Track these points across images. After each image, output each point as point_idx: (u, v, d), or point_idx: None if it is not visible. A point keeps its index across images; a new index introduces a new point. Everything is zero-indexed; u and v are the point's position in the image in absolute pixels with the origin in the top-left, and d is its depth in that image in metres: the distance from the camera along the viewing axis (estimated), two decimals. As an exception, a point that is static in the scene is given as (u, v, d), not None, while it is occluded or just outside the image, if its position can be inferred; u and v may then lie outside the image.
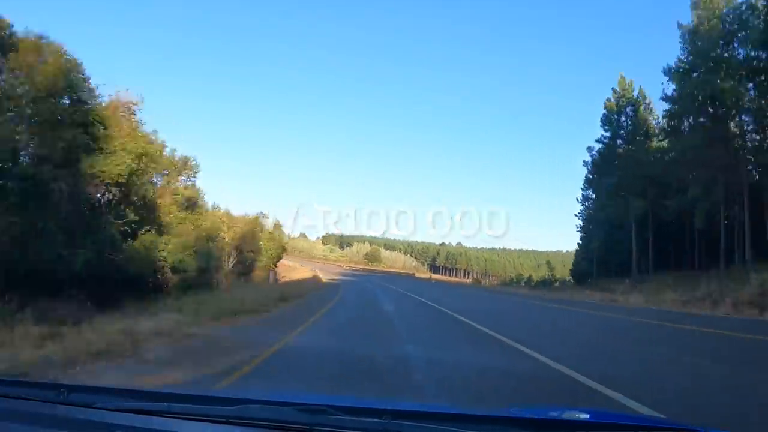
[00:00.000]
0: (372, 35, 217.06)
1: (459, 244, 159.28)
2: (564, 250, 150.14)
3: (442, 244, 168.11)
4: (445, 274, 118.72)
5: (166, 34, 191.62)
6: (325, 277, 39.09)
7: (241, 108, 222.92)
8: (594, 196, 41.27)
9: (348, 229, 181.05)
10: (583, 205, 44.74)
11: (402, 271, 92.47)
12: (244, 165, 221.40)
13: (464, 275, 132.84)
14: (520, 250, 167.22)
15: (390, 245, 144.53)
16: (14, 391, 1.60)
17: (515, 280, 62.68)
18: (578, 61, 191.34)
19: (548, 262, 69.73)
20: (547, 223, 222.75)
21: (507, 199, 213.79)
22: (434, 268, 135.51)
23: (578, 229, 46.48)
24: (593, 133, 49.05)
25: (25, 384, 1.85)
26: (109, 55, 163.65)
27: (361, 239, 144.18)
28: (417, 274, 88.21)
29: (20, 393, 1.59)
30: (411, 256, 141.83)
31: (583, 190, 42.61)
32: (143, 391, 1.73)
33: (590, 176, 40.58)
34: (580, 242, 47.59)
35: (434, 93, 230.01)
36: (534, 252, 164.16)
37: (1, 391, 1.58)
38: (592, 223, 42.50)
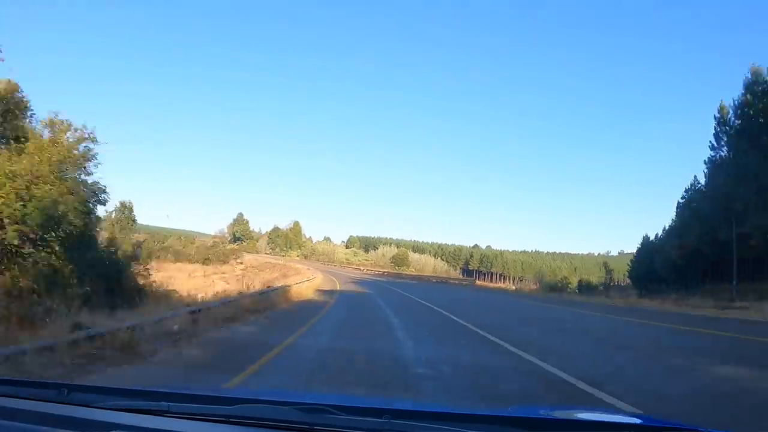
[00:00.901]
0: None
1: (489, 247, 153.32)
2: (596, 253, 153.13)
3: (475, 246, 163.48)
4: (482, 280, 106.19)
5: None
6: (315, 286, 27.37)
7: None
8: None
9: (374, 231, 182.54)
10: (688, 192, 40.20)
11: (433, 276, 79.78)
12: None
13: (500, 280, 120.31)
14: (554, 253, 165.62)
15: (419, 248, 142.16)
16: (15, 390, 1.67)
17: (560, 285, 57.05)
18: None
19: (605, 264, 57.23)
20: (577, 226, 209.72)
21: (539, 200, 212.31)
22: (467, 272, 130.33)
23: (672, 221, 42.01)
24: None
25: (25, 384, 1.92)
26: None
27: (388, 242, 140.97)
28: (453, 281, 75.15)
29: (21, 393, 1.65)
30: (441, 259, 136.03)
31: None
32: (143, 391, 1.79)
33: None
34: (658, 240, 43.79)
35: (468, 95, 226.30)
36: (566, 255, 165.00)
37: (2, 390, 1.65)
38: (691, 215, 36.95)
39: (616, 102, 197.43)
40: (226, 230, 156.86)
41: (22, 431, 1.40)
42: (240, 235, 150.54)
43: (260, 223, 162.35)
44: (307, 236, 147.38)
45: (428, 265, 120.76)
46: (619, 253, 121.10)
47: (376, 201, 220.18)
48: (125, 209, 42.61)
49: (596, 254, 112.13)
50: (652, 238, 46.51)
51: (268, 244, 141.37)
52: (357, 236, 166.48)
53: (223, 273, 41.50)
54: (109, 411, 1.52)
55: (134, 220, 46.00)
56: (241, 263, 56.40)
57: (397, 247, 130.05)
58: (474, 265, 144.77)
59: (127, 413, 1.51)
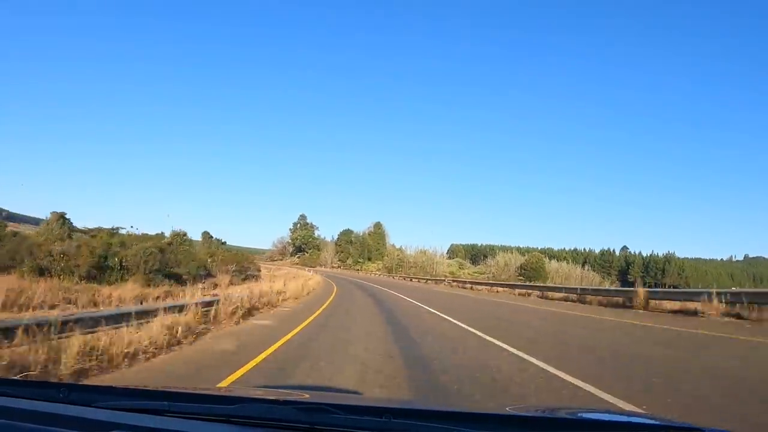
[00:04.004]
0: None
1: (653, 252, 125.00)
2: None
3: (624, 248, 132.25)
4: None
5: None
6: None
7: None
8: None
9: (481, 239, 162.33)
10: None
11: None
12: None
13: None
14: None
15: (547, 254, 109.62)
16: (14, 390, 1.75)
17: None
18: None
19: None
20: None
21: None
22: (625, 283, 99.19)
23: None
24: None
25: (25, 383, 2.09)
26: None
27: (499, 249, 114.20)
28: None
29: (21, 392, 1.73)
30: (585, 266, 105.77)
31: None
32: (143, 390, 1.89)
33: None
34: None
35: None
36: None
37: (2, 390, 1.72)
38: None
39: None
40: (287, 238, 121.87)
41: (23, 431, 1.50)
42: (302, 242, 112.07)
43: (328, 232, 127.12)
44: (391, 243, 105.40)
45: (572, 276, 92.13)
46: None
47: (477, 206, 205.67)
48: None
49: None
50: None
51: (336, 254, 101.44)
52: (461, 244, 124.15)
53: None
54: (109, 410, 1.60)
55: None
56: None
57: (522, 254, 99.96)
58: (635, 273, 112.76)
59: (127, 413, 1.59)
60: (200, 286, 18.60)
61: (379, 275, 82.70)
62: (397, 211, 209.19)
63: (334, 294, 25.80)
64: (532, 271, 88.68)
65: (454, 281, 49.38)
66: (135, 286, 22.46)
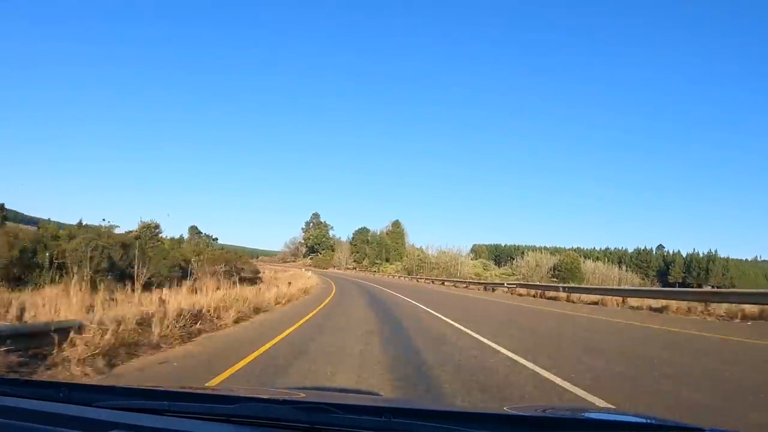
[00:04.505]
0: None
1: (695, 251, 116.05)
2: None
3: (659, 247, 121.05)
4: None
5: None
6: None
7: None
8: None
9: (504, 239, 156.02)
10: None
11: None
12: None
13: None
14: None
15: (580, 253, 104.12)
16: (14, 390, 1.75)
17: None
18: None
19: None
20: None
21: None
22: (665, 285, 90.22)
23: None
24: None
25: (25, 383, 2.01)
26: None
27: (529, 249, 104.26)
28: None
29: (21, 392, 1.74)
30: (621, 267, 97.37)
31: None
32: (143, 390, 1.87)
33: None
34: None
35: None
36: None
37: (2, 390, 1.73)
38: None
39: None
40: (300, 238, 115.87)
41: (23, 431, 1.50)
42: (315, 242, 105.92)
43: (343, 233, 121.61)
44: (410, 243, 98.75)
45: (609, 276, 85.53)
46: None
47: (500, 205, 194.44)
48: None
49: None
50: None
51: (351, 254, 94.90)
52: (484, 244, 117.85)
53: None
54: (109, 410, 1.59)
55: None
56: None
57: (552, 254, 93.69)
58: (676, 274, 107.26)
59: (127, 412, 1.58)
60: (164, 291, 14.63)
61: (398, 277, 74.74)
62: (414, 210, 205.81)
63: (322, 307, 17.36)
64: (566, 271, 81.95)
65: (509, 286, 33.30)
66: (75, 290, 15.99)
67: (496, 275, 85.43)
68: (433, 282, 56.37)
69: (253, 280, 34.43)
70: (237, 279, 30.67)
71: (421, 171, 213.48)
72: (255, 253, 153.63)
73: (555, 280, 74.96)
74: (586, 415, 1.71)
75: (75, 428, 1.45)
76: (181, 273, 28.94)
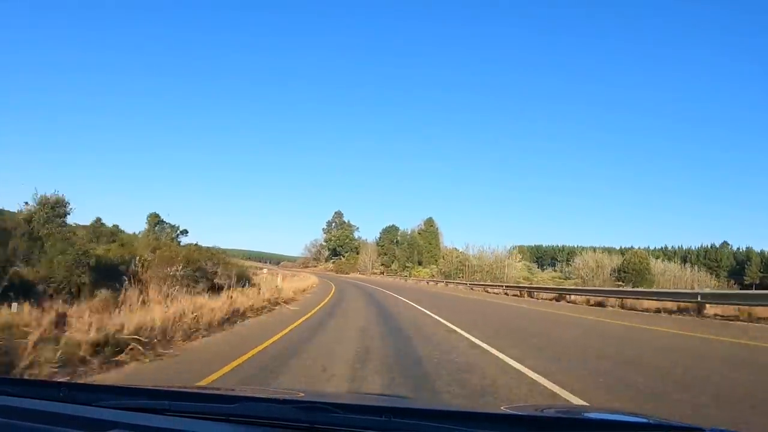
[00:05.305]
0: None
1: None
2: None
3: (724, 244, 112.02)
4: None
5: None
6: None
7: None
8: None
9: (544, 239, 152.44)
10: None
11: None
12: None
13: None
14: None
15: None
16: (14, 389, 1.75)
17: None
18: None
19: None
20: None
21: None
22: (742, 286, 78.93)
23: None
24: None
25: (25, 382, 2.06)
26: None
27: (576, 250, 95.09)
28: None
29: (21, 392, 1.73)
30: (690, 267, 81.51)
31: None
32: (143, 389, 1.86)
33: None
34: None
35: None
36: None
37: (2, 390, 1.72)
38: None
39: None
40: (321, 240, 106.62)
41: (23, 430, 1.52)
42: (338, 244, 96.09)
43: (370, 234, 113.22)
44: (444, 244, 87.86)
45: (682, 278, 71.03)
46: None
47: (541, 203, 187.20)
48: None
49: None
50: None
51: (378, 257, 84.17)
52: (525, 246, 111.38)
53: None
54: (109, 409, 1.60)
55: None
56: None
57: (609, 254, 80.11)
58: (752, 274, 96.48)
59: (127, 412, 1.59)
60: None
61: (435, 284, 59.99)
62: (445, 211, 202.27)
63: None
64: (633, 273, 69.71)
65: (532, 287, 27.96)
66: None
67: (548, 279, 79.13)
68: (472, 288, 45.60)
69: (251, 284, 24.67)
70: (205, 287, 20.88)
71: (452, 169, 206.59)
72: (277, 259, 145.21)
73: (620, 283, 63.63)
74: (585, 414, 1.70)
75: (75, 428, 1.45)
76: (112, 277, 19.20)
